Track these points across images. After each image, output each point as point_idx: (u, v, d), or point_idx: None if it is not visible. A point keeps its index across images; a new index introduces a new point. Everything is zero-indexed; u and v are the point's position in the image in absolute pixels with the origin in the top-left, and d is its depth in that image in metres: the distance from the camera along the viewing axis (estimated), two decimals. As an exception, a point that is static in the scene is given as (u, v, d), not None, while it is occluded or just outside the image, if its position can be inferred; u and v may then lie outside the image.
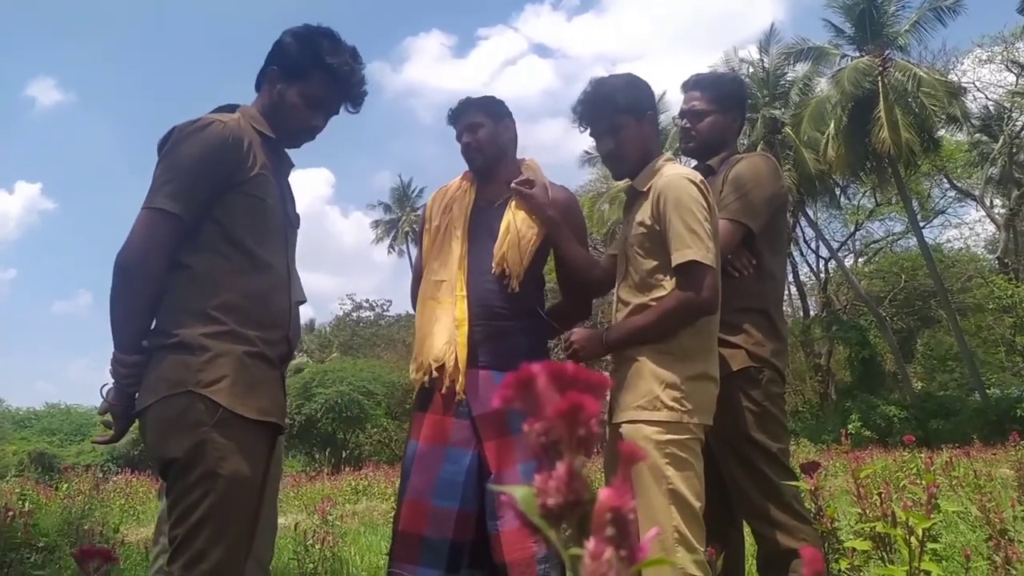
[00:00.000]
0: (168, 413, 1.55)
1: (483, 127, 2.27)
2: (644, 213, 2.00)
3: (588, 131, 2.15)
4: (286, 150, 1.91)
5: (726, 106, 2.39)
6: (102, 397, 1.66)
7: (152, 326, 1.64)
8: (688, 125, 2.40)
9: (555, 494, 0.31)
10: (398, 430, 22.87)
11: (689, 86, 2.42)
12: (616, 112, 2.07)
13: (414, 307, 2.35)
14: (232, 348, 1.62)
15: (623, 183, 2.44)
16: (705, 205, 1.93)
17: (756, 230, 2.20)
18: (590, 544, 0.30)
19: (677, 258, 1.89)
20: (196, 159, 1.65)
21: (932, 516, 1.68)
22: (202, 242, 1.66)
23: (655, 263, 1.98)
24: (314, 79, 1.82)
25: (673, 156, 2.15)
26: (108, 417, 1.69)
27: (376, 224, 39.60)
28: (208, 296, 1.63)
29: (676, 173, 1.98)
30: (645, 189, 2.03)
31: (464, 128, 2.29)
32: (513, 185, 2.20)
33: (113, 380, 1.63)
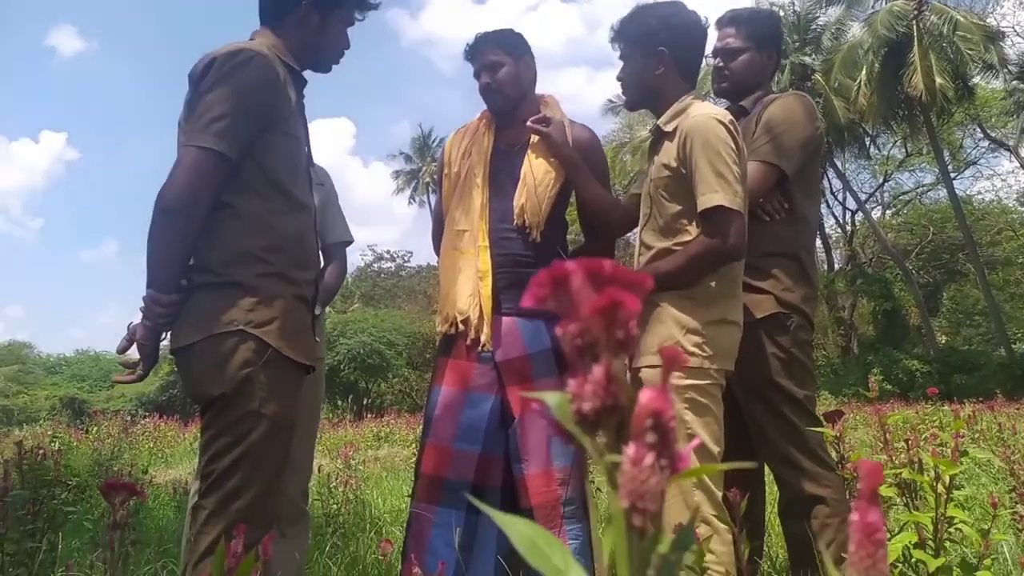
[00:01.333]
0: (217, 351, 1.55)
1: (503, 66, 2.19)
2: (669, 155, 1.93)
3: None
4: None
5: (762, 44, 2.30)
6: (128, 333, 1.66)
7: (192, 263, 1.62)
8: (722, 64, 2.31)
9: (591, 398, 0.28)
10: (419, 380, 23.17)
11: (724, 23, 2.32)
12: (629, 41, 2.01)
13: (436, 253, 2.33)
14: (282, 289, 1.62)
15: (646, 132, 2.38)
16: (734, 147, 1.86)
17: (790, 173, 2.13)
18: (630, 449, 0.27)
19: (703, 203, 1.83)
20: (244, 96, 1.60)
21: (958, 464, 1.65)
22: (243, 181, 1.62)
23: (680, 207, 1.92)
24: (346, 2, 1.79)
25: (699, 96, 2.06)
26: (129, 357, 1.69)
27: (397, 175, 39.46)
28: (255, 237, 1.61)
29: (704, 113, 1.90)
30: (671, 129, 1.95)
31: (483, 67, 2.21)
32: (529, 123, 2.14)
33: (145, 318, 1.61)
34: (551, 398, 0.30)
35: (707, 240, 1.85)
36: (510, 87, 2.20)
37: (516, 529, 0.30)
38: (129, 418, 12.22)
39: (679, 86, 2.01)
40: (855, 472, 2.19)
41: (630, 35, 2.02)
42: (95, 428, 9.83)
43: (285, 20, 1.77)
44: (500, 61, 2.19)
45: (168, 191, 1.55)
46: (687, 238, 1.91)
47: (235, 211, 1.62)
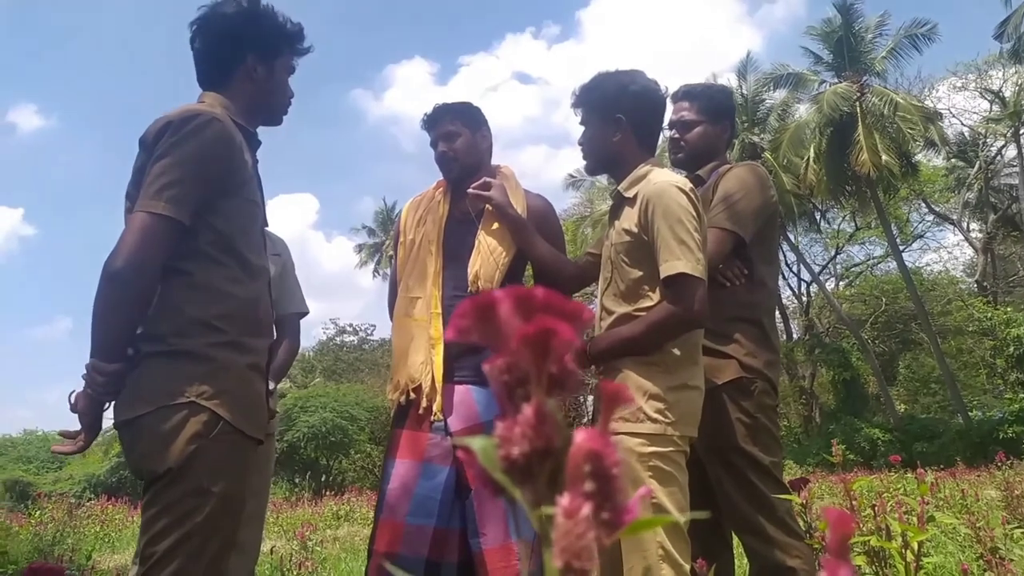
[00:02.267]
0: (166, 423, 1.47)
1: (460, 136, 2.21)
2: (631, 220, 1.94)
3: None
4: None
5: (716, 116, 2.36)
6: (70, 404, 1.57)
7: (141, 332, 1.55)
8: (677, 135, 2.36)
9: (521, 441, 0.25)
10: (381, 455, 22.56)
11: (678, 96, 2.38)
12: (588, 108, 2.04)
13: (391, 319, 2.29)
14: (236, 359, 1.56)
15: (607, 205, 2.40)
16: (694, 214, 1.87)
17: (747, 238, 2.16)
18: (564, 499, 0.24)
19: (666, 270, 1.82)
20: (200, 161, 1.56)
21: (926, 529, 1.62)
22: (197, 247, 1.57)
23: (641, 272, 1.91)
24: (284, 49, 1.79)
25: (658, 163, 2.09)
26: (69, 429, 1.60)
27: (360, 248, 39.44)
28: (209, 305, 1.56)
29: (665, 180, 1.91)
30: (631, 195, 1.96)
31: (440, 136, 2.23)
32: (470, 190, 2.14)
33: (87, 387, 1.53)
34: (476, 443, 0.26)
35: (670, 307, 1.84)
36: (466, 156, 2.21)
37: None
38: (75, 500, 11.63)
39: (637, 153, 2.02)
40: (823, 541, 2.14)
41: (590, 101, 2.04)
42: (38, 512, 9.32)
43: (231, 78, 1.75)
44: (457, 131, 2.21)
45: (116, 257, 1.49)
46: (649, 303, 1.89)
47: (188, 278, 1.56)
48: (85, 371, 1.53)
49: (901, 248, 24.06)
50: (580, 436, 0.24)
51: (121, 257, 1.49)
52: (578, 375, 0.27)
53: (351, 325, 36.10)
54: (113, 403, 1.56)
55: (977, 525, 3.29)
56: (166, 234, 1.51)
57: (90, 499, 13.27)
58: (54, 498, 11.76)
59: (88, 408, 1.55)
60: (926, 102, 21.75)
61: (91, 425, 1.57)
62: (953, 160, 25.08)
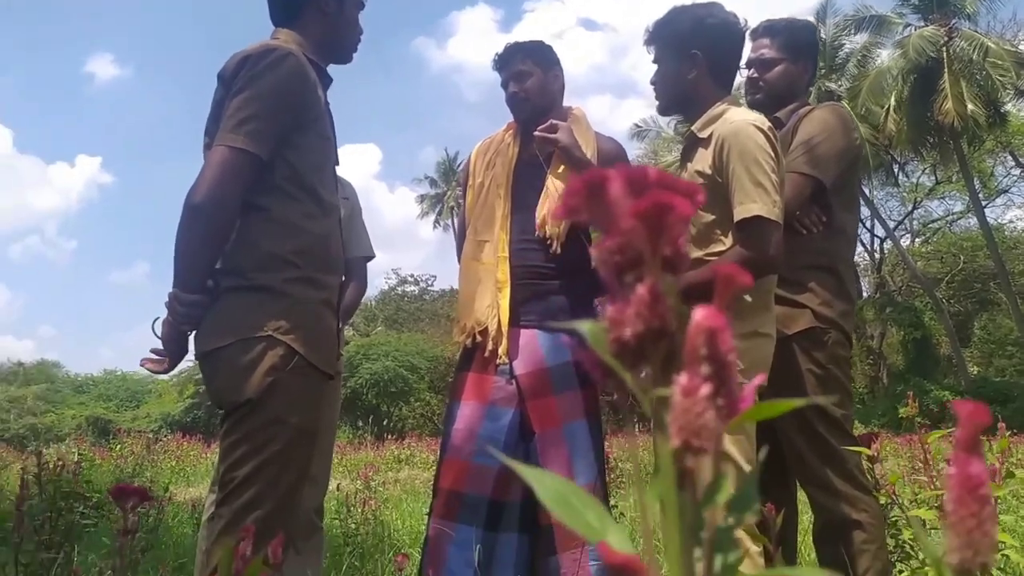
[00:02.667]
0: (244, 356, 1.51)
1: (532, 76, 2.17)
2: (704, 162, 1.86)
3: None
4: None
5: (797, 55, 2.23)
6: (153, 332, 1.63)
7: (220, 266, 1.59)
8: (756, 75, 2.24)
9: (634, 322, 0.23)
10: (441, 404, 23.03)
11: (759, 33, 2.25)
12: (663, 44, 1.95)
13: (460, 261, 2.30)
14: (310, 295, 1.60)
15: (672, 156, 2.32)
16: (772, 155, 1.77)
17: (827, 183, 2.06)
18: (682, 378, 0.22)
19: (740, 212, 1.75)
20: (277, 96, 1.57)
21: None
22: (274, 183, 1.59)
23: (714, 216, 1.84)
24: None
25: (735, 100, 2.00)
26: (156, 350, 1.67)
27: (422, 199, 39.71)
28: (285, 240, 1.58)
29: (742, 119, 1.82)
30: (705, 135, 1.88)
31: (511, 76, 2.19)
32: (536, 133, 2.10)
33: (168, 315, 1.59)
34: (584, 327, 0.25)
35: (743, 251, 1.77)
36: (537, 97, 2.18)
37: (546, 485, 0.25)
38: (152, 436, 12.28)
39: (713, 91, 1.94)
40: (891, 497, 2.09)
41: (663, 37, 1.96)
42: (118, 446, 9.88)
43: (303, 14, 1.75)
44: (529, 71, 2.18)
45: (198, 192, 1.52)
46: (721, 248, 1.83)
47: (266, 214, 1.59)
48: (168, 300, 1.58)
49: (983, 204, 22.91)
50: (700, 314, 0.23)
51: (201, 191, 1.52)
52: (689, 259, 0.25)
53: (412, 276, 36.63)
54: (194, 335, 1.61)
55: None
56: (245, 168, 1.53)
57: (167, 435, 13.97)
58: (132, 434, 12.44)
59: (170, 335, 1.60)
60: (1020, 47, 20.36)
61: (174, 351, 1.63)
62: None
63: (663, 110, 2.09)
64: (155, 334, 1.63)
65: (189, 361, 1.69)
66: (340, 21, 1.77)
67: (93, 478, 5.20)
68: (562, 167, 2.13)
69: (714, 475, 0.24)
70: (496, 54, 2.24)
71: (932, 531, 2.03)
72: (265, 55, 1.59)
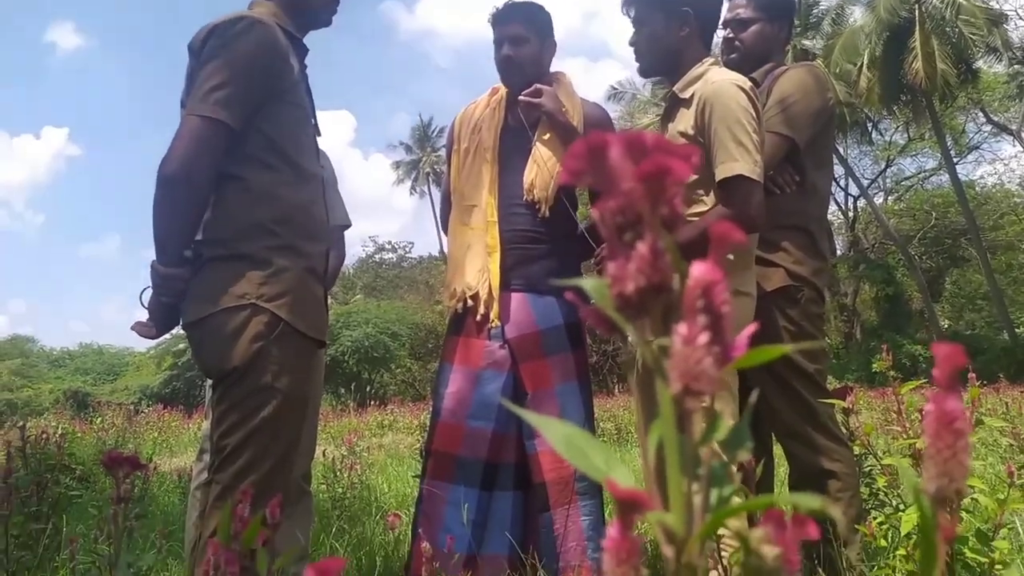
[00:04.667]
0: (229, 324, 1.52)
1: (528, 43, 2.13)
2: (686, 122, 1.87)
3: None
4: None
5: (773, 14, 2.24)
6: (140, 303, 1.64)
7: (202, 237, 1.60)
8: (732, 35, 2.25)
9: (636, 277, 0.25)
10: (422, 370, 23.14)
11: None
12: (647, 4, 1.94)
13: (444, 230, 2.30)
14: (293, 262, 1.60)
15: (649, 119, 2.32)
16: (754, 115, 1.79)
17: (801, 143, 2.08)
18: (682, 327, 0.24)
19: (723, 171, 1.76)
20: (246, 64, 1.56)
21: (975, 430, 1.63)
22: (250, 152, 1.59)
23: (696, 176, 1.85)
24: None
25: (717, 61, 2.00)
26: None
27: (397, 165, 39.31)
28: (264, 209, 1.59)
29: (724, 79, 1.83)
30: (687, 96, 1.89)
31: (507, 37, 2.14)
32: (521, 97, 2.10)
33: (152, 288, 1.60)
34: (588, 283, 0.27)
35: (725, 210, 1.78)
36: (531, 66, 2.15)
37: (555, 430, 0.27)
38: (133, 408, 12.22)
39: (699, 50, 1.94)
40: (866, 447, 2.16)
41: None
42: (99, 419, 9.83)
43: None
44: (526, 37, 2.14)
45: (168, 162, 1.52)
46: (702, 208, 1.85)
47: (243, 183, 1.59)
48: (150, 273, 1.59)
49: (955, 160, 23.17)
50: (697, 269, 0.25)
51: (172, 162, 1.52)
52: (685, 218, 0.27)
53: (390, 243, 36.45)
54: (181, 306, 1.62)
55: (1021, 436, 3.29)
56: (215, 136, 1.53)
57: (147, 407, 13.91)
58: (112, 407, 12.36)
59: (153, 305, 1.61)
60: (991, 3, 20.43)
61: (159, 319, 1.63)
62: (1016, 66, 23.71)
63: (646, 71, 2.08)
64: (142, 304, 1.63)
65: (171, 333, 1.70)
66: None
67: (76, 451, 5.19)
68: (548, 133, 2.12)
69: (709, 418, 0.26)
70: (495, 8, 2.19)
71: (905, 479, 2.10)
72: (233, 24, 1.58)
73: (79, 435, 7.34)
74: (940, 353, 0.25)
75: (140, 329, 1.65)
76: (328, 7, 1.82)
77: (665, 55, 1.97)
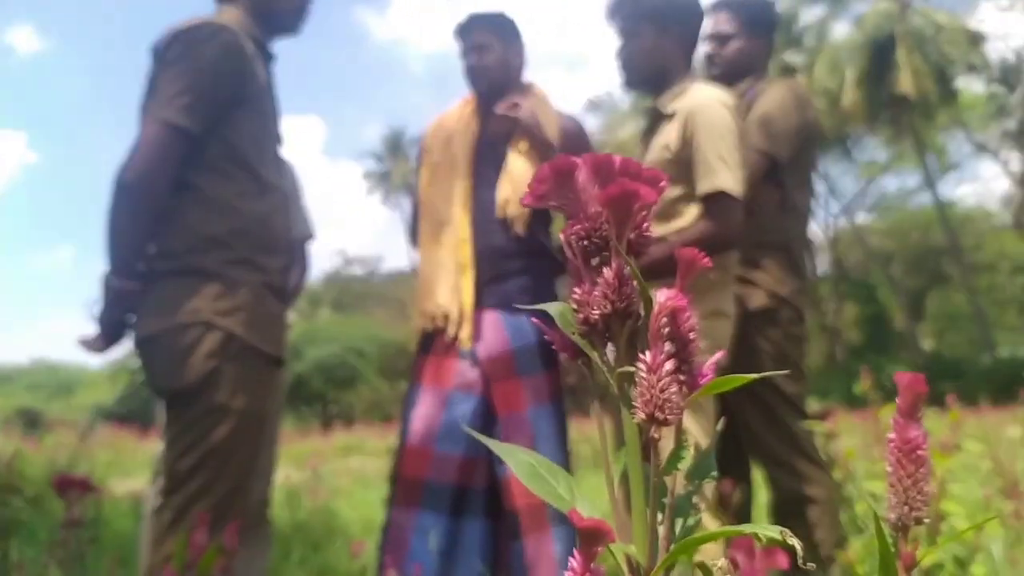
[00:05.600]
0: (182, 341, 1.48)
1: (492, 50, 2.12)
2: (669, 137, 1.86)
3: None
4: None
5: (755, 30, 2.25)
6: (91, 315, 1.60)
7: (156, 250, 1.56)
8: (714, 50, 2.26)
9: (601, 303, 0.25)
10: (391, 390, 22.76)
11: (717, 8, 2.27)
12: (636, 17, 1.94)
13: (413, 243, 2.26)
14: (249, 277, 1.57)
15: (628, 131, 2.33)
16: (736, 132, 1.80)
17: (782, 161, 2.09)
18: (647, 356, 0.24)
19: (705, 187, 1.76)
20: (209, 70, 1.54)
21: (954, 452, 1.64)
22: (209, 161, 1.56)
23: (679, 191, 1.85)
24: None
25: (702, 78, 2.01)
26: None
27: (368, 176, 38.96)
28: (220, 221, 1.55)
29: (708, 96, 1.84)
30: (670, 111, 1.88)
31: (471, 47, 2.13)
32: (498, 110, 2.06)
33: (104, 300, 1.55)
34: (552, 308, 0.27)
35: (707, 226, 1.78)
36: (497, 71, 2.13)
37: (519, 459, 0.27)
38: (88, 427, 11.87)
39: (682, 65, 1.95)
40: (845, 473, 2.16)
41: (639, 9, 1.94)
42: (50, 437, 9.53)
43: None
44: (489, 44, 2.12)
45: (129, 169, 1.49)
46: (683, 223, 1.84)
47: (199, 194, 1.56)
48: (102, 284, 1.55)
49: (937, 179, 23.45)
50: (662, 295, 0.25)
51: (131, 168, 1.49)
52: (653, 241, 0.26)
53: (359, 256, 36.09)
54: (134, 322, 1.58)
55: (1000, 460, 3.31)
56: (176, 143, 1.50)
57: (101, 425, 13.52)
58: (65, 425, 11.98)
59: (104, 319, 1.57)
60: (969, 23, 20.95)
61: (108, 333, 1.59)
62: (993, 85, 24.13)
63: (631, 84, 2.07)
64: (93, 317, 1.59)
65: (123, 350, 1.65)
66: None
67: (26, 472, 5.02)
68: (524, 146, 2.09)
69: (675, 447, 0.26)
70: (458, 23, 2.17)
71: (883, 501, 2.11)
72: (196, 31, 1.56)
73: (29, 454, 7.11)
74: (902, 382, 0.25)
75: (87, 343, 1.60)
76: (296, 14, 1.80)
77: (650, 68, 1.97)
